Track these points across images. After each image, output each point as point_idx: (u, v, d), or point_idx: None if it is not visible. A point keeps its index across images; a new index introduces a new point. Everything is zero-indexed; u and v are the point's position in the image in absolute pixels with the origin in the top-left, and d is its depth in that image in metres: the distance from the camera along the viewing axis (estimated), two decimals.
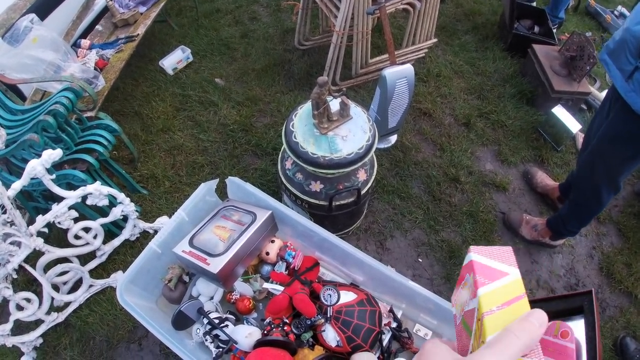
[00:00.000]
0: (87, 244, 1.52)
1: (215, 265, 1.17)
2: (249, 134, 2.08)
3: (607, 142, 1.38)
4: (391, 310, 1.44)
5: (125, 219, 1.58)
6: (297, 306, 1.22)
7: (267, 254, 1.38)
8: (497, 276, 0.39)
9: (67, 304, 1.55)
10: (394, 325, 1.43)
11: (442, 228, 1.70)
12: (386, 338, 1.41)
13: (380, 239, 1.68)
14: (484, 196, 1.79)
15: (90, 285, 1.57)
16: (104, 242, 1.59)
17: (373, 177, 1.55)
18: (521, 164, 1.92)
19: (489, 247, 0.40)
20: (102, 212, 1.54)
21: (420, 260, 1.65)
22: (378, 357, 1.37)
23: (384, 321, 1.42)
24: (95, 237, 1.53)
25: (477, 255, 0.40)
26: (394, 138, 1.87)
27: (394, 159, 1.82)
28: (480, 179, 1.82)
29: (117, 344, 1.51)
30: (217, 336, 1.22)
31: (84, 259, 1.58)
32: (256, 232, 1.27)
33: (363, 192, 1.52)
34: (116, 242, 1.63)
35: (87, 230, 1.50)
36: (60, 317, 1.52)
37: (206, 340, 1.20)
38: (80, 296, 1.55)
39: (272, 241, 1.40)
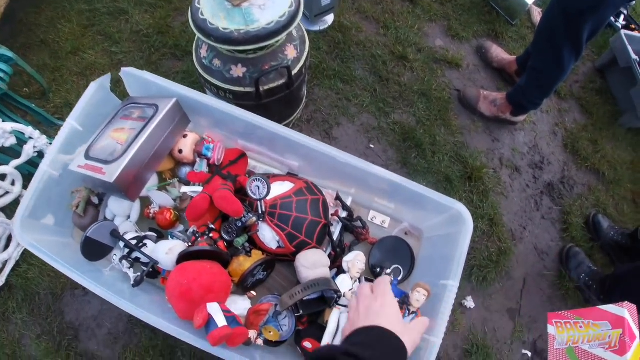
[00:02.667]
0: (7, 193, 1.28)
1: (111, 173, 0.91)
2: (166, 36, 1.77)
3: None
4: (338, 198, 1.22)
5: (42, 155, 1.30)
6: (219, 205, 0.97)
7: (181, 151, 1.11)
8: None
9: (3, 265, 1.33)
10: (343, 214, 1.22)
11: (393, 110, 1.49)
12: (336, 230, 1.19)
13: (325, 128, 1.44)
14: (436, 74, 1.59)
15: None
16: (25, 188, 1.31)
17: (305, 54, 1.30)
18: (474, 39, 1.73)
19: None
20: (16, 154, 1.28)
21: (372, 146, 1.44)
22: (329, 254, 1.16)
23: (331, 211, 1.20)
24: (13, 183, 1.28)
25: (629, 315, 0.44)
26: (330, 18, 1.62)
27: (333, 40, 1.57)
28: (431, 56, 1.62)
29: (62, 294, 1.32)
30: (138, 259, 0.98)
31: (10, 210, 1.34)
32: (159, 126, 1.00)
33: (295, 71, 1.27)
34: None
35: (2, 177, 1.25)
36: (0, 279, 1.31)
37: (123, 266, 0.96)
38: (13, 252, 1.33)
39: (185, 136, 1.13)
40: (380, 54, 1.57)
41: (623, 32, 1.81)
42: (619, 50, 1.82)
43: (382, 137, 1.45)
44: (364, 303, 0.70)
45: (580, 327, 0.53)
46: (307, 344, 0.92)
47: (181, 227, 1.11)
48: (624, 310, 0.46)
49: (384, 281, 0.75)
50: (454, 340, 1.46)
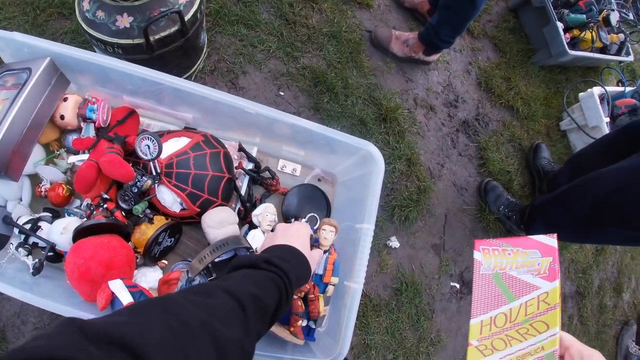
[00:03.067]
0: None
1: None
2: None
3: None
4: (241, 149, 1.15)
5: None
6: (106, 170, 0.87)
7: (62, 117, 0.99)
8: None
9: None
10: (249, 166, 1.16)
11: (302, 54, 1.43)
12: (243, 184, 1.13)
13: (231, 78, 1.36)
14: (346, 15, 1.53)
15: None
16: None
17: None
18: None
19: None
20: None
21: (282, 93, 1.38)
22: (238, 210, 1.12)
23: (235, 164, 1.14)
24: None
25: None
26: None
27: None
28: None
29: None
30: (36, 245, 0.88)
31: None
32: (33, 91, 0.88)
33: (188, 16, 1.16)
34: None
35: None
36: None
37: (20, 254, 0.86)
38: None
39: (65, 99, 1.01)
40: None
41: None
42: None
43: (292, 83, 1.39)
44: (281, 227, 0.79)
45: (509, 254, 0.53)
46: None
47: (77, 202, 1.02)
48: (554, 240, 0.48)
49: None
50: (383, 281, 1.49)
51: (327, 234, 1.00)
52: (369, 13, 1.58)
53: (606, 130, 1.72)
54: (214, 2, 1.40)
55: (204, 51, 1.35)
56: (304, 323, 0.93)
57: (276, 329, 0.88)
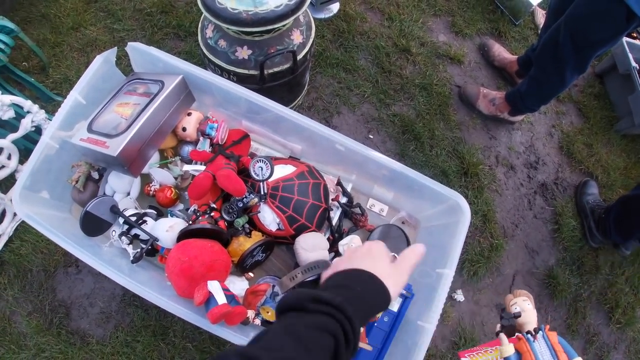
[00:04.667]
0: (3, 167, 1.25)
1: (115, 146, 0.90)
2: (169, 15, 1.75)
3: (582, 19, 1.20)
4: (339, 183, 1.22)
5: (39, 131, 1.28)
6: (222, 184, 0.97)
7: (184, 129, 1.11)
8: None
9: None
10: (343, 200, 1.23)
11: (393, 102, 1.49)
12: (335, 215, 1.20)
13: (326, 116, 1.45)
14: (438, 68, 1.59)
15: (15, 213, 1.31)
16: (22, 163, 1.30)
17: (311, 40, 1.29)
18: (477, 36, 1.73)
19: None
20: (13, 128, 1.25)
21: (372, 136, 1.45)
22: (328, 238, 1.17)
23: (332, 196, 1.21)
24: (9, 157, 1.25)
25: None
26: (335, 7, 1.61)
27: (337, 29, 1.57)
28: (434, 51, 1.62)
29: (55, 271, 1.30)
30: (137, 236, 0.97)
31: (5, 185, 1.32)
32: (164, 102, 0.99)
33: (300, 56, 1.26)
34: None
35: None
36: None
37: (122, 242, 0.95)
38: (7, 227, 1.30)
39: (189, 114, 1.13)
40: (384, 45, 1.57)
41: (625, 39, 1.83)
42: (620, 56, 1.84)
43: (382, 128, 1.45)
44: (351, 250, 0.65)
45: (490, 351, 0.62)
46: None
47: (181, 206, 1.11)
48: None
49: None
50: (442, 332, 1.48)
51: (524, 305, 0.76)
52: (459, 69, 1.64)
53: None
54: (318, 45, 1.50)
55: (305, 88, 1.45)
56: (362, 329, 0.94)
57: None
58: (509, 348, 0.58)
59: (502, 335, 0.59)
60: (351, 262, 0.58)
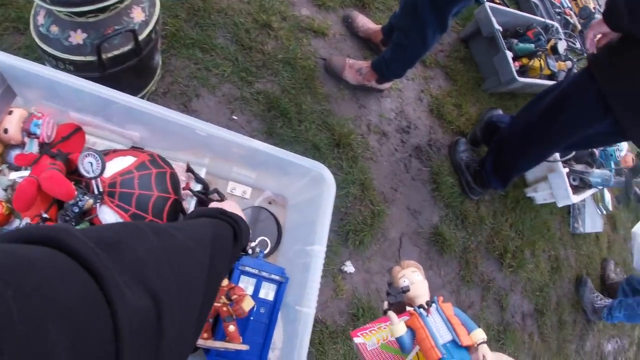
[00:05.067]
0: None
1: None
2: (7, 8, 1.53)
3: None
4: (189, 170, 1.14)
5: None
6: (46, 188, 0.83)
7: (6, 131, 0.95)
8: None
9: None
10: (196, 188, 1.15)
11: (256, 79, 1.44)
12: (190, 206, 1.11)
13: (183, 101, 1.35)
14: (302, 42, 1.57)
15: None
16: None
17: (155, 17, 1.18)
18: (340, 8, 1.74)
19: None
20: None
21: (235, 117, 1.38)
22: None
23: (182, 185, 1.12)
24: None
25: None
26: None
27: (192, 8, 1.47)
28: (296, 25, 1.59)
29: None
30: None
31: None
32: None
33: (143, 36, 1.15)
34: None
35: None
36: None
37: None
38: None
39: (10, 112, 0.97)
40: (243, 21, 1.50)
41: (487, 4, 1.93)
42: (483, 21, 1.95)
43: (246, 107, 1.39)
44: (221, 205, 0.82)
45: (384, 327, 0.59)
46: None
47: (17, 222, 0.96)
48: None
49: None
50: (339, 307, 1.48)
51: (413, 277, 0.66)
52: (324, 41, 1.63)
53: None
54: (171, 25, 1.39)
55: (158, 73, 1.34)
56: (233, 328, 0.89)
57: (215, 344, 0.85)
58: (399, 327, 0.51)
59: (391, 313, 0.53)
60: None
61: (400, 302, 0.58)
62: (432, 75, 1.85)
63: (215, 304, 0.86)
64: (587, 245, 2.36)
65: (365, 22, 1.71)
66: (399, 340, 0.52)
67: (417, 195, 1.65)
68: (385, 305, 0.59)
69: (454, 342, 0.51)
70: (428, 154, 1.71)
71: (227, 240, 0.65)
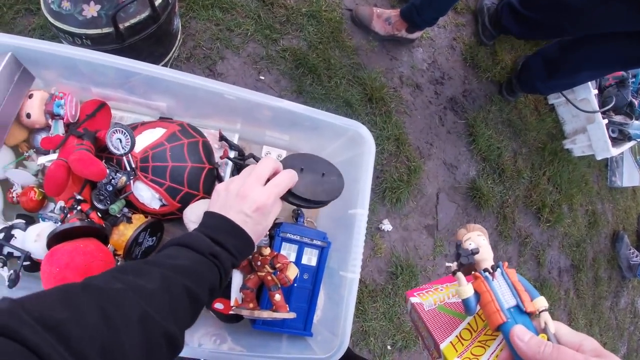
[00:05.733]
0: None
1: None
2: None
3: None
4: (222, 137, 1.10)
5: None
6: (76, 169, 0.80)
7: (29, 115, 0.92)
8: None
9: None
10: (231, 154, 1.12)
11: (281, 36, 1.37)
12: (226, 174, 1.08)
13: (208, 65, 1.31)
14: None
15: None
16: None
17: None
18: None
19: None
20: None
21: (263, 77, 1.33)
22: None
23: (218, 153, 1.09)
24: None
25: None
26: None
27: None
28: None
29: None
30: (11, 255, 0.82)
31: None
32: None
33: (158, 1, 1.10)
34: None
35: None
36: None
37: None
38: None
39: (31, 96, 0.94)
40: None
41: None
42: None
43: (273, 66, 1.34)
44: (222, 188, 0.67)
45: (441, 290, 0.59)
46: (219, 305, 0.85)
47: (52, 206, 0.95)
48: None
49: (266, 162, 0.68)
50: (377, 265, 1.47)
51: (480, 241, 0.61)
52: None
53: (595, 102, 1.70)
54: None
55: (179, 38, 1.29)
56: (279, 297, 0.88)
57: (262, 314, 0.84)
58: (467, 288, 0.50)
59: (460, 275, 0.51)
60: (223, 208, 0.63)
61: (470, 263, 0.56)
62: (464, 22, 1.73)
63: (259, 273, 0.85)
64: (624, 200, 2.27)
65: None
66: (465, 302, 0.51)
67: (453, 149, 1.59)
68: (454, 266, 0.56)
69: (517, 308, 0.49)
70: (463, 105, 1.63)
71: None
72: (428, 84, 1.56)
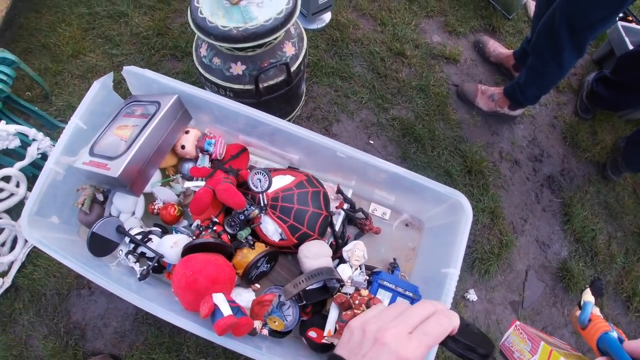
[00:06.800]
0: (12, 194, 1.29)
1: (116, 168, 0.93)
2: (165, 37, 1.79)
3: (576, 1, 1.19)
4: (339, 191, 1.23)
5: (45, 157, 1.31)
6: (221, 197, 0.98)
7: (183, 147, 1.12)
8: None
9: (9, 266, 1.34)
10: (345, 206, 1.23)
11: (392, 106, 1.50)
12: (338, 222, 1.20)
13: (325, 125, 1.46)
14: (434, 69, 1.60)
15: (27, 240, 1.34)
16: (30, 189, 1.34)
17: (304, 51, 1.31)
18: (471, 34, 1.73)
19: None
20: (20, 156, 1.29)
21: (372, 142, 1.45)
22: (330, 244, 1.17)
23: (334, 204, 1.21)
24: (18, 185, 1.30)
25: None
26: (327, 16, 1.63)
27: (331, 38, 1.58)
28: (428, 52, 1.63)
29: (68, 294, 1.33)
30: (143, 254, 0.99)
31: (16, 213, 1.35)
32: (161, 122, 1.01)
33: (294, 68, 1.28)
34: None
35: (7, 179, 1.26)
36: (6, 281, 1.33)
37: (129, 260, 0.97)
38: (19, 253, 1.35)
39: (187, 132, 1.15)
40: (378, 50, 1.58)
41: (620, 23, 1.81)
42: (616, 41, 1.82)
43: (382, 132, 1.46)
44: (367, 339, 0.48)
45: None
46: (312, 334, 0.93)
47: (185, 222, 1.12)
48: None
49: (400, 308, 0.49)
50: None
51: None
52: (456, 68, 1.64)
53: None
54: (312, 55, 1.51)
55: (303, 99, 1.46)
56: None
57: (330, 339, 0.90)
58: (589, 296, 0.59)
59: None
60: (352, 353, 0.47)
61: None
62: (565, 100, 1.75)
63: (356, 310, 0.93)
64: None
65: (496, 47, 1.69)
66: (585, 305, 0.58)
67: (547, 227, 1.58)
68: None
69: None
70: (560, 184, 1.63)
71: None
72: (527, 161, 1.59)
